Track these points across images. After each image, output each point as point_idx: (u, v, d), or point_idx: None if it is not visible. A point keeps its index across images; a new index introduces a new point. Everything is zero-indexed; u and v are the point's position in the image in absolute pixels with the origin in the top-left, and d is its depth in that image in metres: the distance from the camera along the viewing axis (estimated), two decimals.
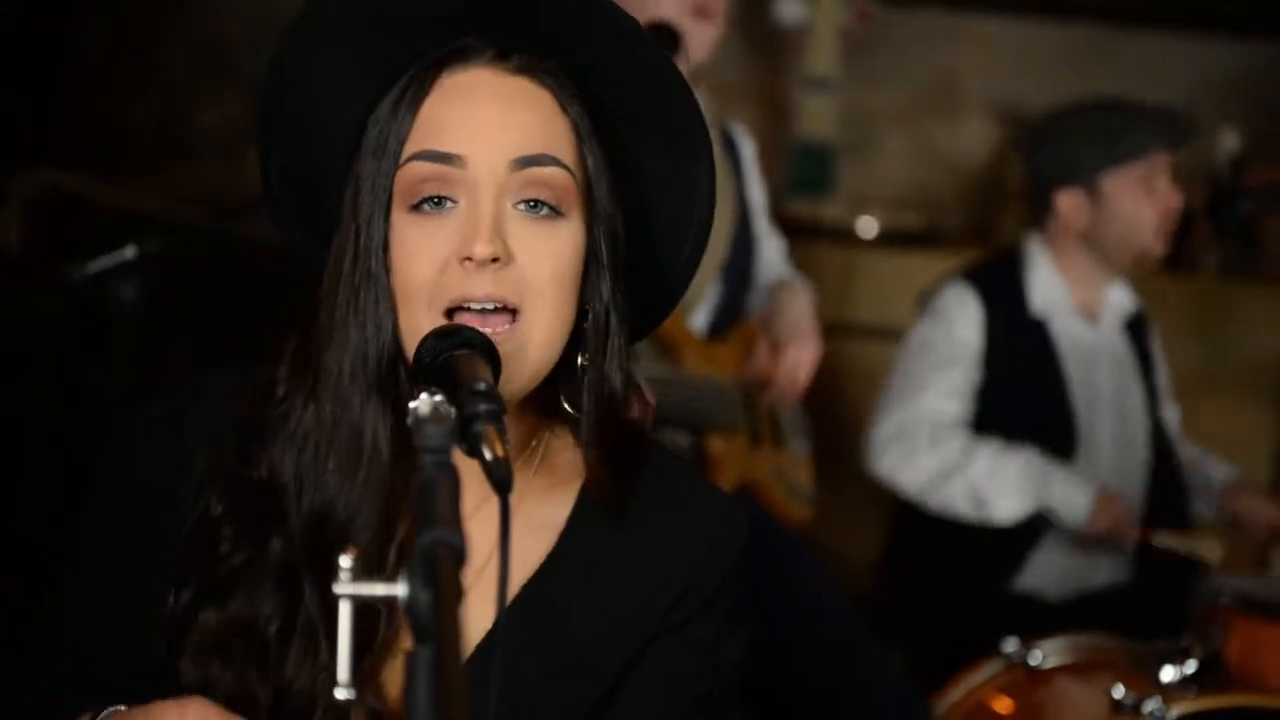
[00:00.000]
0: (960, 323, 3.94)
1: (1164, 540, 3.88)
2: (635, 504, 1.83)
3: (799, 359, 3.62)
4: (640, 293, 1.84)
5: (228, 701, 1.72)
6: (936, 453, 3.81)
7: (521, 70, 1.77)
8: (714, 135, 3.61)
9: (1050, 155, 4.03)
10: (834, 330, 4.09)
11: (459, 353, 1.62)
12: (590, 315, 1.79)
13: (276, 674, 1.74)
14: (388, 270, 1.73)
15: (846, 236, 5.69)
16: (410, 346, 1.72)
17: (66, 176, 3.86)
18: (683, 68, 3.42)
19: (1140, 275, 4.10)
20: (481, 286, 1.69)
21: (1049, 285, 3.99)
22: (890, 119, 6.11)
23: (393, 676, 1.77)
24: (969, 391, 3.91)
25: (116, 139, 5.45)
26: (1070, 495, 3.78)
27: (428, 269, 1.71)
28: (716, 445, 3.54)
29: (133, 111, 5.52)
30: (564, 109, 1.78)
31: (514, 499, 1.44)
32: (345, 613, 1.41)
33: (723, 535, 1.87)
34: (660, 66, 1.84)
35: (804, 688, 3.45)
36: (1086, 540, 3.83)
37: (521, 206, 1.73)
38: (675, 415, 3.46)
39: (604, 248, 1.79)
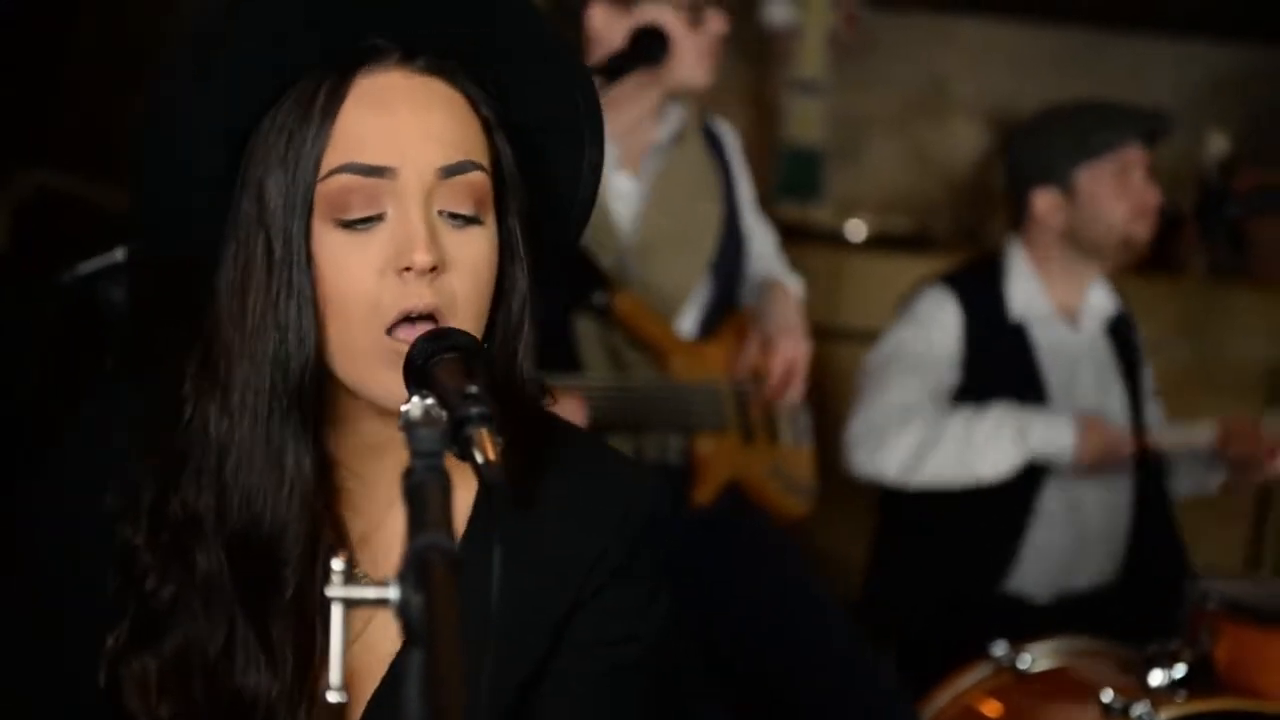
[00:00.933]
0: (938, 328, 3.94)
1: (1161, 439, 3.95)
2: (538, 484, 1.83)
3: (792, 356, 3.62)
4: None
5: None
6: (906, 432, 3.81)
7: (430, 71, 1.77)
8: (695, 133, 3.65)
9: (1025, 156, 4.04)
10: (823, 334, 4.09)
11: (449, 356, 1.62)
12: (504, 307, 1.80)
13: (225, 693, 1.74)
14: (312, 282, 1.71)
15: (835, 240, 5.69)
16: (340, 360, 1.72)
17: (57, 177, 3.86)
18: (672, 77, 3.45)
19: (1129, 264, 4.09)
20: (421, 296, 1.68)
21: (1028, 290, 4.00)
22: (879, 122, 6.12)
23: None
24: (940, 391, 3.91)
25: (108, 140, 5.43)
26: (1051, 434, 3.80)
27: (364, 281, 1.70)
28: (705, 446, 3.54)
29: (125, 113, 5.51)
30: (475, 109, 1.79)
31: None
32: (337, 615, 1.42)
33: (629, 502, 1.88)
34: (557, 51, 1.85)
35: (786, 686, 3.44)
36: (1085, 472, 3.85)
37: (445, 217, 1.73)
38: (663, 420, 3.46)
39: (519, 240, 1.81)
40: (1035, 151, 4.00)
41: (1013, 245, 4.05)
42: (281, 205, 1.71)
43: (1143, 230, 3.96)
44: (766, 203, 4.78)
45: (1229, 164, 5.77)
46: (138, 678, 1.75)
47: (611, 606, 1.85)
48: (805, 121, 5.77)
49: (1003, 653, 3.34)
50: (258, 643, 1.73)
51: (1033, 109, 4.27)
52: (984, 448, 3.79)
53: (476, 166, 1.75)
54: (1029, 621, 3.61)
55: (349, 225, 1.71)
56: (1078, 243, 3.97)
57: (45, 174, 3.77)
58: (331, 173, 1.70)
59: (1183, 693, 3.01)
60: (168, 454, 1.77)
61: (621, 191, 3.50)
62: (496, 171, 1.79)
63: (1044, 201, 3.96)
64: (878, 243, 5.72)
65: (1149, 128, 3.99)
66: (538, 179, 1.85)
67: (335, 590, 1.41)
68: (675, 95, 3.54)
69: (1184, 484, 4.18)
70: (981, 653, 3.38)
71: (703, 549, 3.46)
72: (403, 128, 1.72)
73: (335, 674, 1.43)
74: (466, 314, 1.72)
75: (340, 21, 1.75)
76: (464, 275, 1.72)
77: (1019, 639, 3.37)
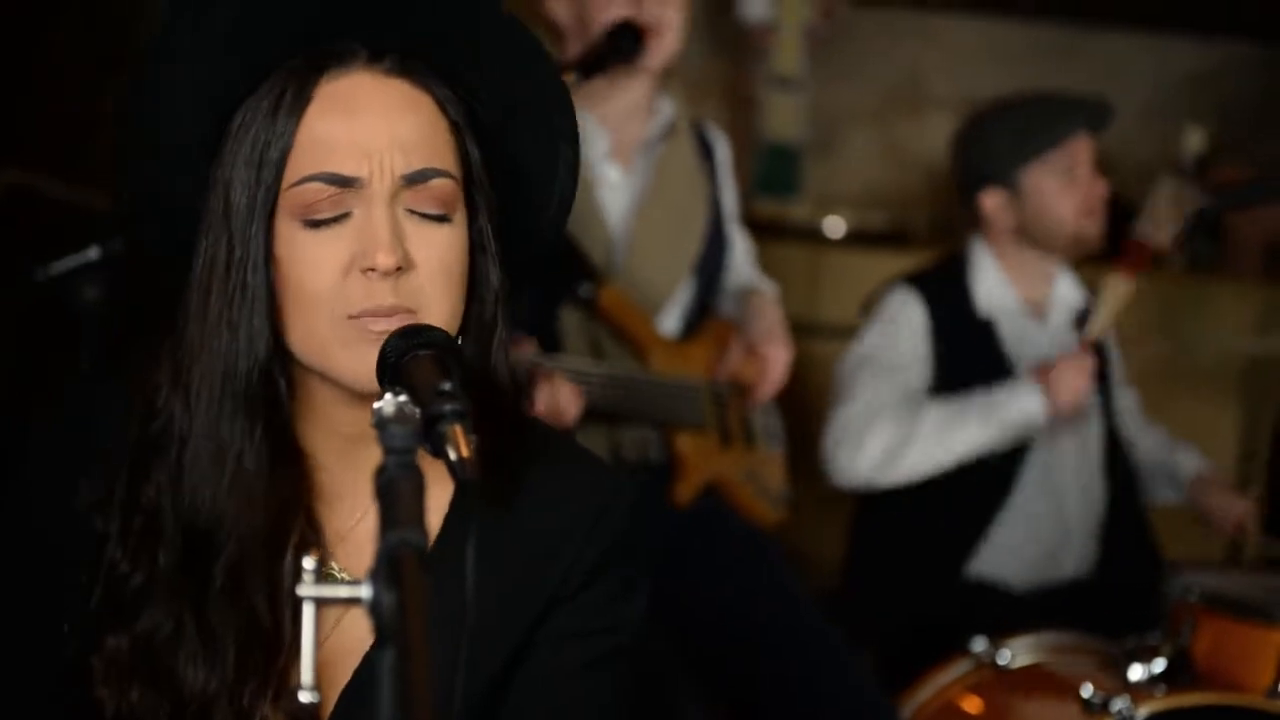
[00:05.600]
0: (905, 329, 3.93)
1: (1094, 328, 3.92)
2: (515, 482, 1.84)
3: (774, 361, 3.62)
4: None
5: None
6: (878, 431, 3.81)
7: (398, 73, 1.76)
8: (687, 135, 3.65)
9: (969, 157, 4.03)
10: (801, 330, 4.08)
11: (422, 353, 1.61)
12: (478, 304, 1.81)
13: (171, 686, 1.74)
14: (269, 282, 1.72)
15: (814, 236, 5.69)
16: (304, 346, 1.74)
17: (29, 176, 3.84)
18: (650, 65, 3.44)
19: (1082, 258, 4.09)
20: (385, 297, 1.70)
21: (993, 286, 4.00)
22: (856, 118, 6.12)
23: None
24: (910, 392, 3.90)
25: (80, 138, 5.41)
26: (1018, 401, 3.80)
27: (328, 277, 1.71)
28: (684, 443, 3.53)
29: (97, 111, 5.49)
30: (444, 111, 1.78)
31: None
32: (309, 615, 1.41)
33: (606, 502, 1.88)
34: (528, 49, 1.84)
35: (765, 684, 3.44)
36: (1062, 418, 3.85)
37: (412, 214, 1.73)
38: (640, 411, 3.45)
39: (490, 238, 1.81)
40: (979, 153, 4.00)
41: (975, 242, 4.05)
42: (244, 206, 1.72)
43: (1092, 227, 3.96)
44: (745, 199, 4.78)
45: (1206, 159, 5.78)
46: (109, 658, 1.76)
47: (588, 603, 1.85)
48: (783, 118, 5.77)
49: (982, 648, 3.34)
50: (198, 636, 1.75)
51: None
52: (957, 429, 3.79)
53: (441, 174, 1.74)
54: (1007, 613, 3.61)
55: (315, 224, 1.72)
56: (1031, 239, 3.97)
57: (16, 172, 3.75)
58: (301, 181, 1.71)
59: (1162, 687, 3.01)
60: (140, 444, 1.79)
61: (612, 182, 3.49)
62: (465, 173, 1.79)
63: (991, 202, 3.96)
64: (856, 238, 5.72)
65: (1090, 119, 3.99)
66: (514, 179, 1.85)
67: (306, 589, 1.41)
68: (661, 77, 3.52)
69: (1162, 492, 4.20)
70: (961, 648, 3.38)
71: (685, 547, 3.46)
72: (369, 134, 1.72)
73: (307, 673, 1.43)
74: (438, 311, 1.73)
75: (306, 19, 1.74)
76: (432, 272, 1.73)
77: (999, 631, 3.37)
